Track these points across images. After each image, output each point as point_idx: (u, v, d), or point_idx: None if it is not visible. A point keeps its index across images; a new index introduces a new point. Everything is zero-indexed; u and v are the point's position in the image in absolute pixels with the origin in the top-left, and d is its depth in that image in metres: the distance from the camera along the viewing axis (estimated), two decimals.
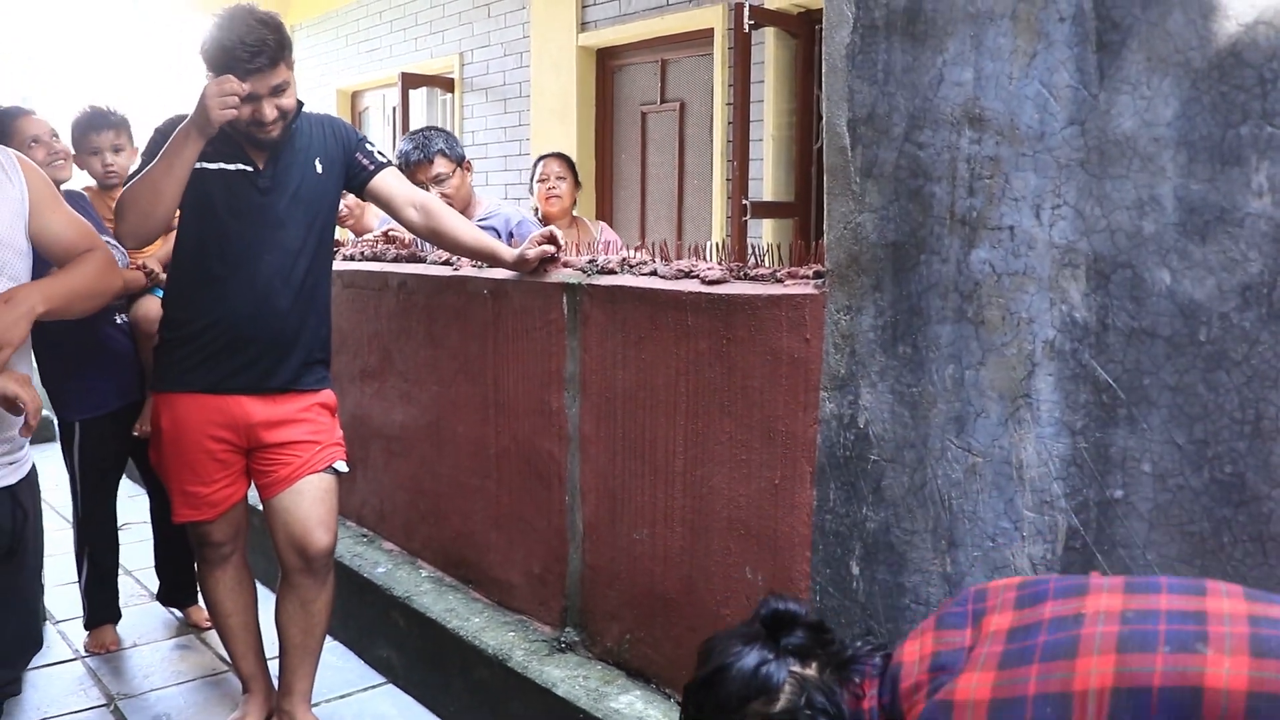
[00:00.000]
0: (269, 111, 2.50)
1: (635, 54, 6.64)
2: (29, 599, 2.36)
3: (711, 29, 5.90)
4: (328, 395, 2.79)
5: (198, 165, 2.53)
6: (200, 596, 3.45)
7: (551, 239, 2.79)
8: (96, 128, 3.39)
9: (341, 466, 2.79)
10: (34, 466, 2.20)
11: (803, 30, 5.55)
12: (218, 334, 2.62)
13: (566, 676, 2.59)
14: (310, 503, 2.70)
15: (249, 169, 2.61)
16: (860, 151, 1.98)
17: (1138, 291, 1.61)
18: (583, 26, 6.75)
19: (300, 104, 2.64)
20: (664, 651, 2.49)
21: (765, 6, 5.44)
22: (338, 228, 3.38)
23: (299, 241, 2.65)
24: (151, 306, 3.34)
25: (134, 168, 3.43)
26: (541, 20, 7.06)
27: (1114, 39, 1.63)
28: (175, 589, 3.76)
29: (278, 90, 2.51)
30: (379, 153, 2.82)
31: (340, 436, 2.82)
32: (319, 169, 2.69)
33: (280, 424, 2.69)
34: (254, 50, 2.43)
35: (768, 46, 5.56)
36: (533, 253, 2.76)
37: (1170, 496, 1.60)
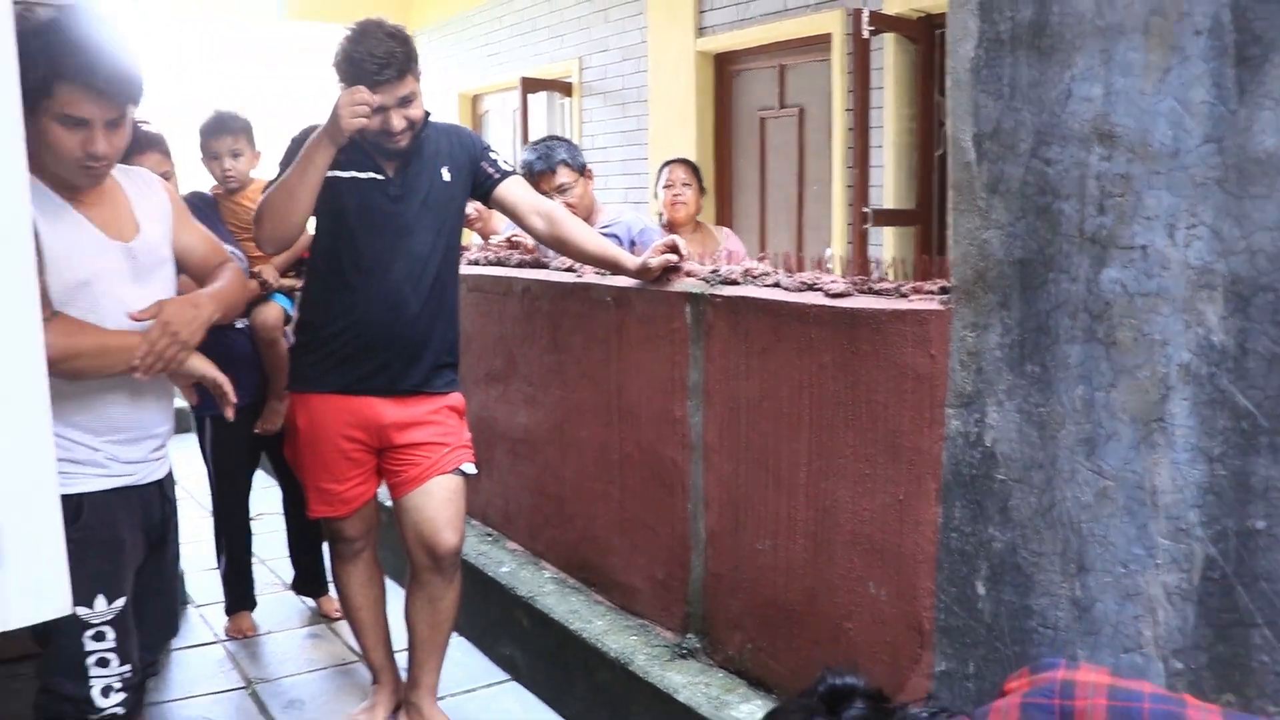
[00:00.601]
0: (397, 122, 2.61)
1: (754, 59, 6.63)
2: (171, 586, 2.55)
3: (830, 34, 5.85)
4: (456, 398, 2.89)
5: (331, 174, 2.65)
6: (331, 587, 3.60)
7: (674, 248, 2.82)
8: (217, 133, 3.49)
9: (469, 469, 2.88)
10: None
11: (922, 35, 5.48)
12: (351, 338, 2.73)
13: (688, 683, 2.63)
14: (438, 503, 2.79)
15: (379, 177, 2.72)
16: (986, 167, 1.97)
17: None
18: (701, 31, 6.77)
19: (427, 114, 2.74)
20: (786, 662, 2.51)
21: (884, 12, 5.39)
22: (466, 231, 3.47)
23: (428, 247, 2.75)
24: (270, 313, 3.48)
25: (255, 171, 3.58)
26: (659, 25, 7.10)
27: (1255, 53, 1.59)
28: (308, 579, 3.93)
29: (405, 101, 2.61)
30: (504, 161, 2.90)
31: (468, 439, 2.91)
32: (446, 176, 2.78)
33: (410, 425, 2.79)
34: (382, 63, 2.54)
35: (887, 52, 5.50)
36: (655, 261, 2.79)
37: None
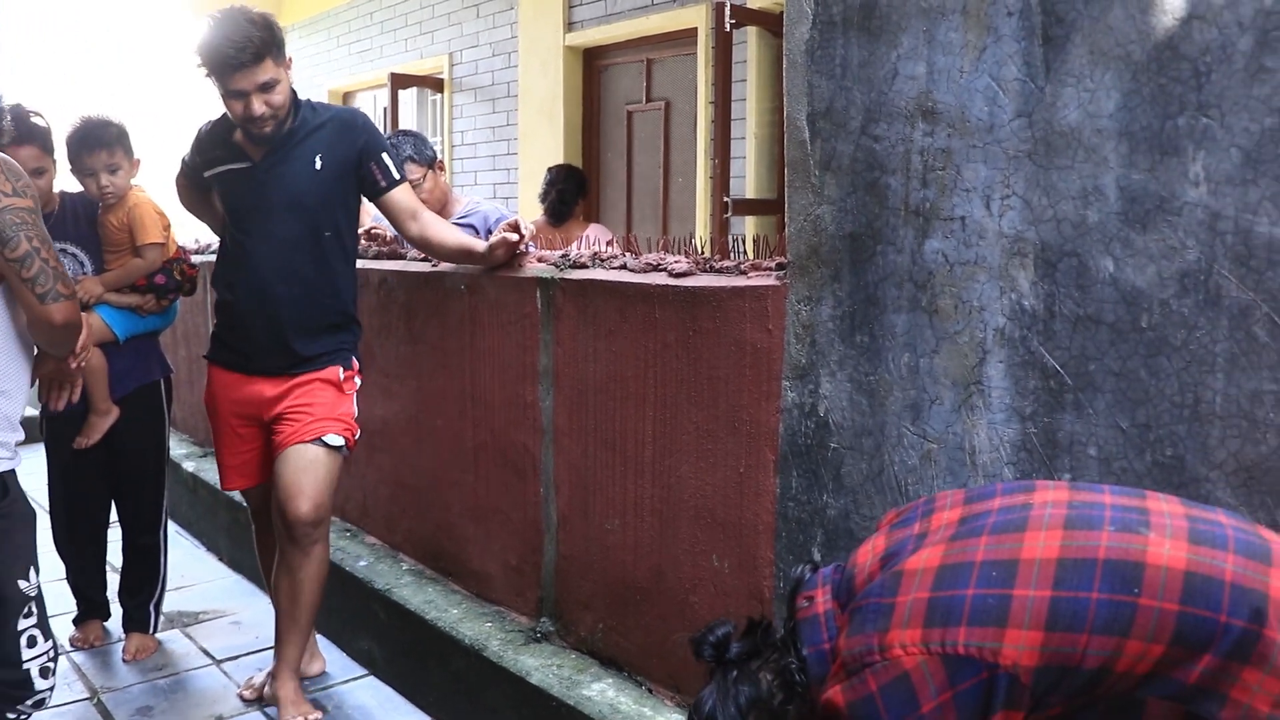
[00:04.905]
0: (257, 107, 2.63)
1: (621, 53, 6.66)
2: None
3: (695, 28, 5.92)
4: (331, 372, 2.84)
5: (214, 171, 2.80)
6: (152, 624, 3.56)
7: (514, 227, 2.81)
8: (89, 148, 3.11)
9: (333, 440, 2.81)
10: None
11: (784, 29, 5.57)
12: (230, 320, 2.85)
13: (540, 665, 2.63)
14: (292, 471, 2.78)
15: (247, 165, 2.76)
16: (819, 145, 2.02)
17: (1083, 279, 1.65)
18: (570, 26, 6.78)
19: (304, 102, 2.78)
20: (635, 640, 2.52)
21: (747, 6, 5.46)
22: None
23: (295, 234, 2.76)
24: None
25: (135, 179, 3.27)
26: (529, 20, 7.08)
27: (1059, 33, 1.67)
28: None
29: (266, 87, 2.63)
30: (396, 169, 2.84)
31: (344, 413, 2.86)
32: (318, 165, 2.76)
33: (281, 399, 2.83)
34: (240, 46, 2.57)
35: (750, 45, 5.58)
36: (497, 242, 2.79)
37: (1115, 479, 1.63)
